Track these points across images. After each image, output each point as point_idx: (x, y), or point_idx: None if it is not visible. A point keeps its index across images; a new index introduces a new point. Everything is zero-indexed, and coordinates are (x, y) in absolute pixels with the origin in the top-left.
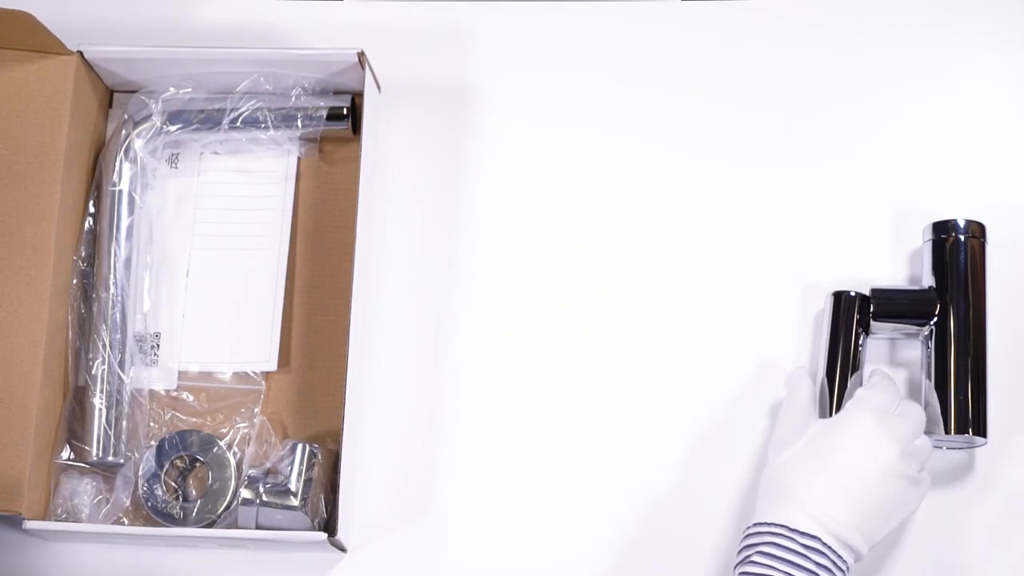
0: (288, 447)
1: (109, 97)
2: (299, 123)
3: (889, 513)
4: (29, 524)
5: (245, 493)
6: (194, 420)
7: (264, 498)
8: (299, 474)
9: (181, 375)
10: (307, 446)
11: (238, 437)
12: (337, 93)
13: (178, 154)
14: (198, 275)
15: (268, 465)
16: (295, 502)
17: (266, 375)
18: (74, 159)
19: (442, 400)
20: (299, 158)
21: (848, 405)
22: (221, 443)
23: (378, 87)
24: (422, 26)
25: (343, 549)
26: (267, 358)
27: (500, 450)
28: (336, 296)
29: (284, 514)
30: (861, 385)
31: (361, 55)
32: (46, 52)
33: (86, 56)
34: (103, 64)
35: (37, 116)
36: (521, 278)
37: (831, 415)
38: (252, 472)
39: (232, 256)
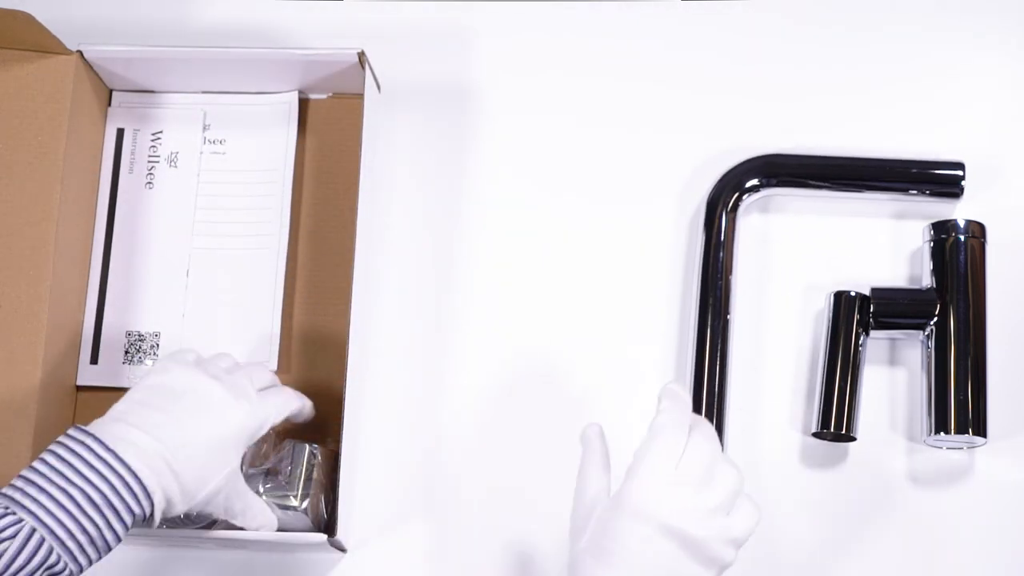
0: (288, 447)
1: (109, 97)
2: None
3: None
4: None
5: None
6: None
7: (264, 498)
8: (299, 474)
9: None
10: (307, 446)
11: None
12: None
13: (178, 154)
14: (198, 275)
15: (268, 465)
16: (295, 502)
17: None
18: (74, 159)
19: (443, 400)
20: (298, 159)
21: (626, 478)
22: None
23: (378, 87)
24: (422, 26)
25: (343, 549)
26: (267, 358)
27: (500, 449)
28: (336, 296)
29: (284, 514)
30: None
31: (361, 55)
32: (46, 52)
33: (86, 56)
34: (103, 64)
35: (37, 116)
36: (522, 278)
37: (823, 427)
38: (252, 472)
39: (232, 256)
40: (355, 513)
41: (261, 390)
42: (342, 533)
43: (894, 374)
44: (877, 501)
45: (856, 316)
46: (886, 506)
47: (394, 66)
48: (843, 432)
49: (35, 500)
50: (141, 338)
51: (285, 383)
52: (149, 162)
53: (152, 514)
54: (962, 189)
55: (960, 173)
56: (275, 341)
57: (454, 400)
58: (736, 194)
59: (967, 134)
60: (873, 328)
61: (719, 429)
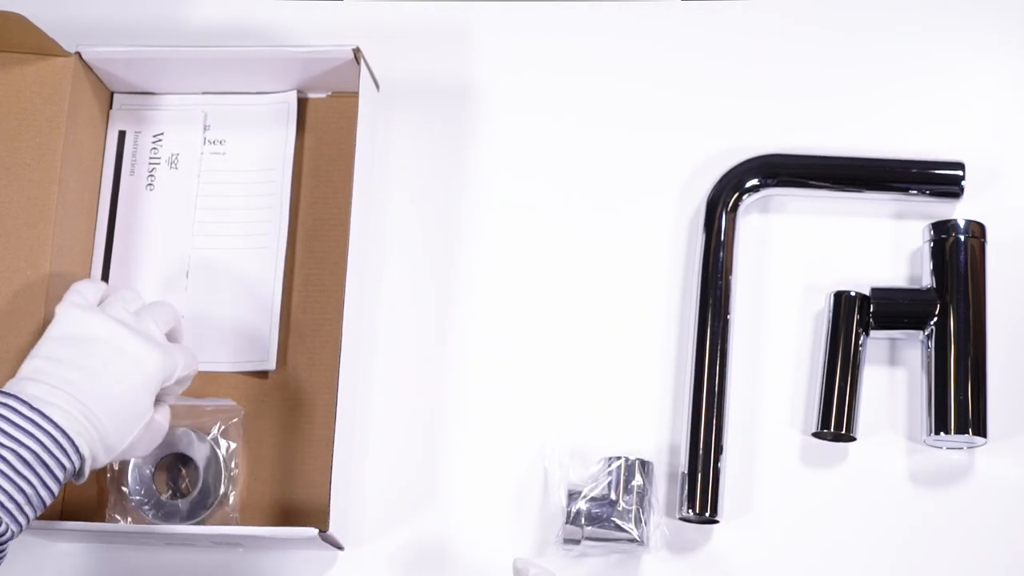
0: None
1: (109, 98)
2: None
3: None
4: None
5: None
6: (190, 420)
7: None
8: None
9: None
10: (636, 460)
11: (229, 433)
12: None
13: (178, 155)
14: (198, 275)
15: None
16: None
17: (265, 374)
18: (72, 161)
19: (441, 398)
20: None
21: None
22: (209, 439)
23: (376, 85)
24: (421, 25)
25: (339, 547)
26: (265, 357)
27: (500, 448)
28: (335, 295)
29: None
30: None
31: (356, 51)
32: (44, 54)
33: (84, 57)
34: (102, 65)
35: (35, 118)
36: (522, 278)
37: (823, 427)
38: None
39: (232, 256)
40: (353, 510)
41: (168, 333)
42: (338, 529)
43: (894, 374)
44: (877, 501)
45: (856, 316)
46: (886, 506)
47: (393, 66)
48: (843, 432)
49: None
50: None
51: (283, 381)
52: (150, 163)
53: (81, 469)
54: (962, 189)
55: (960, 173)
56: (274, 340)
57: (453, 398)
58: (736, 194)
59: (967, 134)
60: (873, 328)
61: (719, 429)
